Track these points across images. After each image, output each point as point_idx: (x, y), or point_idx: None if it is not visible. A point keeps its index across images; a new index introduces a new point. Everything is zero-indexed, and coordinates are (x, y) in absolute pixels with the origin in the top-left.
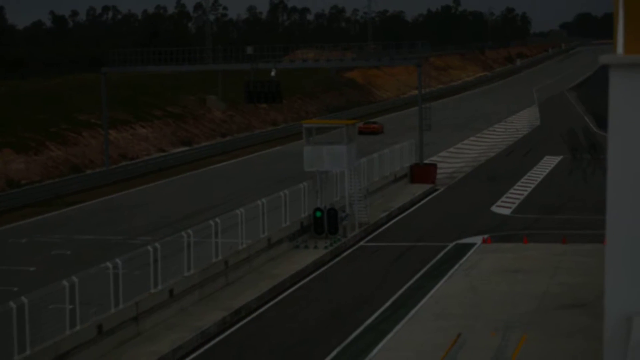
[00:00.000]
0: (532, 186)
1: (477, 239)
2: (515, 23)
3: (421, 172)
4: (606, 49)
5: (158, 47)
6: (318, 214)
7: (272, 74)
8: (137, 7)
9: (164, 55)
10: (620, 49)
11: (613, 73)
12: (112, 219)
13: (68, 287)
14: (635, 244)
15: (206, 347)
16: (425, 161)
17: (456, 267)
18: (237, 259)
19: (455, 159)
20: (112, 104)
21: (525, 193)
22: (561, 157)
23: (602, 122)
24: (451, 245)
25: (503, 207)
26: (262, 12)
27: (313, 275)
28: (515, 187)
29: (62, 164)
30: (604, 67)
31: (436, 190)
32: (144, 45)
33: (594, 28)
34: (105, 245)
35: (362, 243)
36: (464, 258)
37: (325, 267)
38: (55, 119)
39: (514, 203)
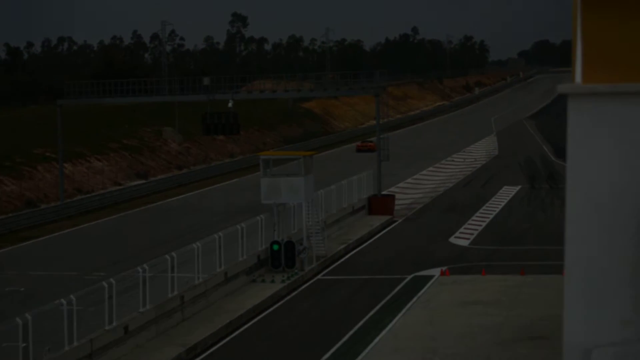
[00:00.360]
0: (491, 217)
1: (436, 271)
2: (474, 51)
3: (379, 204)
4: (564, 77)
5: (114, 79)
6: (275, 247)
7: (230, 105)
8: (92, 38)
9: (120, 86)
10: (578, 77)
11: (571, 102)
12: (67, 254)
13: (21, 324)
14: (594, 275)
15: None
16: (384, 192)
17: (414, 299)
18: (193, 294)
19: (413, 190)
20: (68, 137)
21: (484, 224)
22: (519, 187)
23: (560, 151)
24: (409, 277)
25: (461, 238)
26: (220, 42)
27: (270, 309)
28: (474, 217)
29: (16, 198)
30: (562, 96)
31: (394, 221)
32: (99, 76)
33: (552, 56)
34: (59, 281)
35: (319, 276)
36: (422, 290)
37: (283, 301)
38: (9, 153)
39: (472, 234)
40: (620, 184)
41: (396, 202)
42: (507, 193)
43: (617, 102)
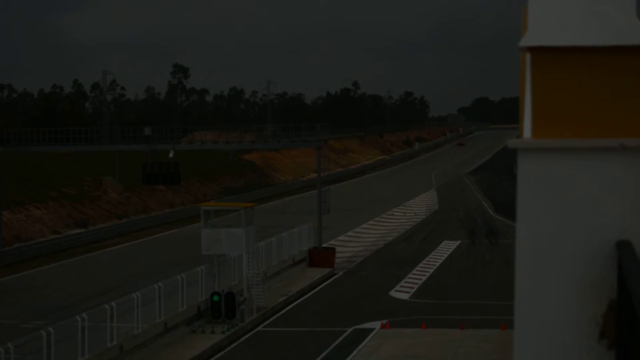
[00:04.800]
0: (431, 271)
1: (376, 324)
2: (414, 107)
3: (320, 256)
4: (503, 134)
5: (54, 127)
6: (215, 298)
7: (171, 155)
8: (33, 86)
9: (60, 134)
10: (527, 133)
11: (521, 157)
12: (4, 302)
13: None
14: (544, 329)
15: None
16: (324, 245)
17: (355, 352)
18: (132, 344)
19: (354, 243)
20: (6, 184)
21: (424, 278)
22: (459, 241)
23: (499, 206)
24: (350, 330)
25: (402, 291)
26: (161, 92)
27: None
28: (414, 271)
29: None
30: (512, 151)
31: (335, 274)
32: (39, 124)
33: (491, 113)
34: None
35: (260, 328)
36: (363, 343)
37: (223, 353)
38: None
39: (412, 288)
40: (570, 238)
41: (337, 254)
42: (447, 247)
43: (566, 157)
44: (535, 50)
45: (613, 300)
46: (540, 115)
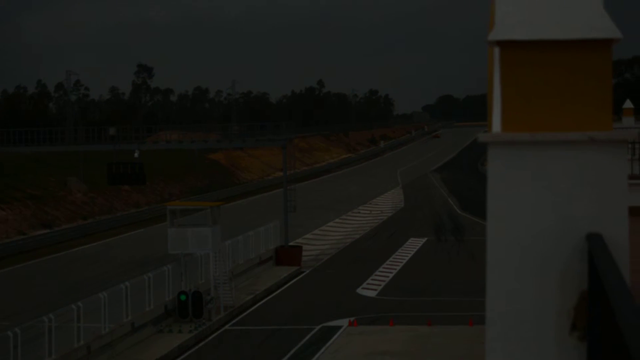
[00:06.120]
0: (398, 268)
1: (344, 322)
2: (379, 105)
3: (286, 254)
4: (468, 131)
5: (17, 127)
6: (182, 297)
7: (136, 155)
8: None
9: (24, 135)
10: (497, 127)
11: (491, 151)
12: None
13: None
14: (517, 323)
15: None
16: (291, 243)
17: (323, 350)
18: (99, 344)
19: (320, 241)
20: None
21: (391, 275)
22: (426, 239)
23: (465, 203)
24: (317, 328)
25: (369, 289)
26: (125, 92)
27: None
28: (381, 269)
29: None
30: (478, 149)
31: (302, 272)
32: (3, 125)
33: (456, 110)
34: None
35: (227, 326)
36: (331, 341)
37: (190, 352)
38: None
39: (379, 285)
40: (540, 231)
41: (303, 253)
42: (413, 245)
43: (535, 150)
44: (504, 44)
45: (584, 292)
46: (510, 109)
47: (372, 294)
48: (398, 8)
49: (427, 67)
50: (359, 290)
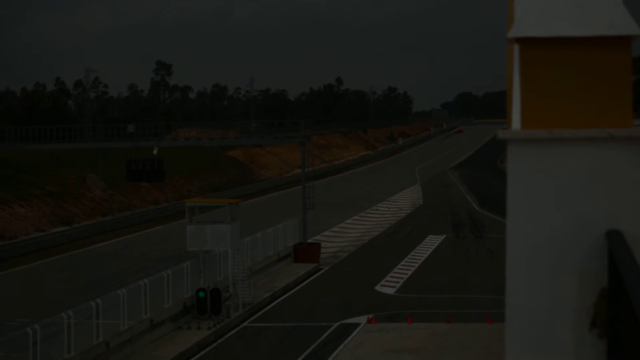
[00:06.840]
0: (416, 265)
1: (362, 319)
2: (397, 102)
3: (305, 252)
4: (487, 129)
5: (37, 125)
6: (201, 294)
7: (154, 152)
8: (15, 84)
9: (43, 132)
10: (516, 124)
11: (511, 148)
12: None
13: None
14: (536, 321)
15: None
16: (309, 240)
17: (341, 347)
18: (118, 341)
19: (339, 238)
20: None
21: (409, 272)
22: (444, 236)
23: (483, 201)
24: (336, 325)
25: (387, 286)
26: (144, 89)
27: (196, 356)
28: (399, 266)
29: None
30: (497, 145)
31: (320, 269)
32: (22, 122)
33: (475, 107)
34: None
35: (245, 323)
36: (349, 338)
37: (209, 349)
38: None
39: (398, 282)
40: (560, 228)
41: (322, 250)
42: (432, 242)
43: (555, 146)
44: (523, 41)
45: (604, 289)
46: (529, 106)
47: (390, 291)
48: (418, 5)
49: (443, 65)
50: (378, 288)
